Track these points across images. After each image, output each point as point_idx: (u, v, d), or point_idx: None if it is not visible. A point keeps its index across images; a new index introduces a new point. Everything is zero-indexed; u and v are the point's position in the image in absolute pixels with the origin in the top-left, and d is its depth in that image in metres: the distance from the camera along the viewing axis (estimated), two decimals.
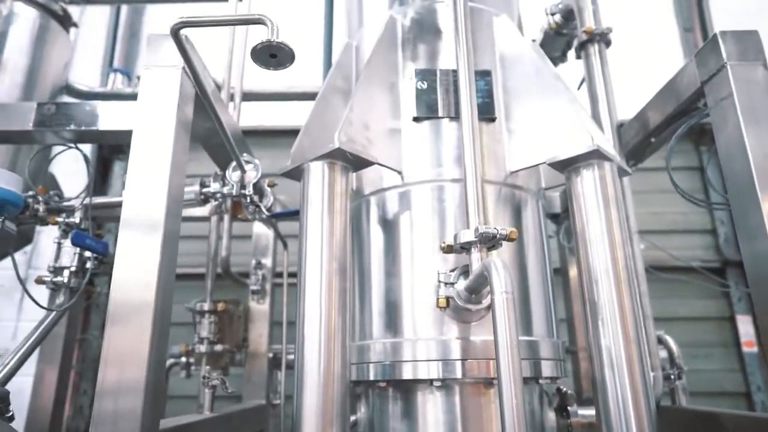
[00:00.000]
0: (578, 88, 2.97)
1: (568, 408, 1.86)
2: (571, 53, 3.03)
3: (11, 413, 1.53)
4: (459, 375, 1.69)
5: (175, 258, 1.64)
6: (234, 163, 2.20)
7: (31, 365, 2.58)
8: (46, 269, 2.19)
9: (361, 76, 1.89)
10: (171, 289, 1.59)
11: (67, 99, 3.55)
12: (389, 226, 1.98)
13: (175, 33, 1.42)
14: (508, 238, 1.52)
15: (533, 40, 3.04)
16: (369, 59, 1.96)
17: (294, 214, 2.36)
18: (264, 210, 2.26)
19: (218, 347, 2.69)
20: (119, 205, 2.45)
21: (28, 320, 4.00)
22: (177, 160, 1.66)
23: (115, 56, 5.31)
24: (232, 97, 3.20)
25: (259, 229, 3.24)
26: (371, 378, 1.83)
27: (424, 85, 1.99)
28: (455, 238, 1.61)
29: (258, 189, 2.28)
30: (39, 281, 2.10)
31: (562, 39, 3.12)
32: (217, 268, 3.02)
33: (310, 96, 3.70)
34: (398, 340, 1.82)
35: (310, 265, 1.65)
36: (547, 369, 1.77)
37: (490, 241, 1.54)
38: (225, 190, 2.18)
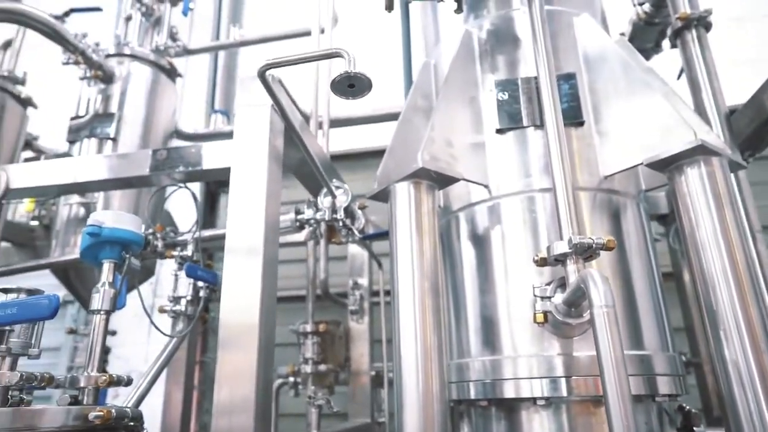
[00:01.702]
0: (678, 78, 2.76)
1: (694, 429, 1.70)
2: (666, 43, 2.83)
3: (145, 431, 1.69)
4: (564, 393, 1.61)
5: (275, 282, 1.73)
6: (325, 189, 2.29)
7: (160, 386, 2.84)
8: (167, 298, 2.42)
9: (441, 93, 1.90)
10: (273, 312, 1.68)
11: (177, 142, 3.91)
12: (480, 241, 1.95)
13: (262, 75, 1.53)
14: (605, 247, 1.44)
15: (622, 34, 2.88)
16: (447, 75, 1.96)
17: (385, 235, 2.40)
18: (356, 232, 2.32)
19: (322, 367, 2.79)
20: (224, 236, 2.65)
21: (157, 343, 4.37)
22: (271, 190, 1.76)
23: (216, 98, 5.77)
24: (320, 125, 3.34)
25: (354, 249, 3.33)
26: (472, 397, 1.80)
27: (506, 96, 1.95)
28: (548, 250, 1.55)
29: (349, 212, 2.35)
30: (161, 311, 2.31)
31: (654, 29, 2.92)
32: (317, 290, 3.15)
33: (395, 116, 3.77)
34: (497, 357, 1.78)
35: (402, 285, 1.67)
36: (663, 385, 1.64)
37: (585, 252, 1.47)
38: (318, 215, 2.27)
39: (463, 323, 1.92)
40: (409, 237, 1.71)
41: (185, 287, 2.39)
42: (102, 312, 1.62)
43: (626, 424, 1.07)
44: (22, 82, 3.78)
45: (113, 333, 3.38)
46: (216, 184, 5.50)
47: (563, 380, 1.63)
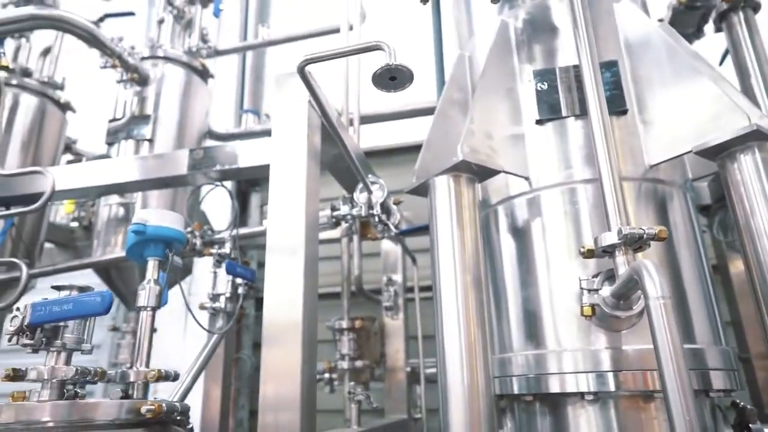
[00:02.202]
0: (720, 64, 2.67)
1: (750, 426, 1.64)
2: (708, 27, 2.74)
3: (191, 425, 1.71)
4: (612, 388, 1.58)
5: (317, 279, 1.73)
6: (361, 185, 2.29)
7: (197, 383, 2.89)
8: (206, 296, 2.45)
9: (479, 85, 1.88)
10: (315, 309, 1.68)
11: (209, 142, 3.97)
12: (520, 235, 1.92)
13: (301, 70, 1.53)
14: (657, 238, 1.39)
15: (660, 20, 2.80)
16: (484, 67, 1.93)
17: (421, 230, 2.39)
18: (392, 227, 2.32)
19: (359, 363, 2.79)
20: (260, 234, 2.67)
21: (192, 339, 4.42)
22: (311, 187, 1.76)
23: (245, 98, 5.83)
24: (351, 122, 3.34)
25: (388, 246, 3.33)
26: (515, 392, 1.78)
27: (545, 86, 1.91)
28: (596, 241, 1.51)
29: (385, 208, 2.35)
30: (202, 308, 2.35)
31: (695, 13, 2.82)
32: (351, 287, 3.15)
33: (425, 111, 3.75)
34: (541, 351, 1.75)
35: (444, 279, 1.65)
36: (717, 380, 1.59)
37: (635, 243, 1.43)
38: (354, 211, 2.27)
39: (504, 317, 1.90)
40: (450, 230, 1.69)
41: (224, 285, 2.42)
42: (148, 309, 1.65)
43: (688, 419, 1.04)
44: (61, 87, 3.88)
45: (154, 330, 3.44)
46: (247, 183, 5.56)
47: (611, 375, 1.59)
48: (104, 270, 3.11)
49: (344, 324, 2.89)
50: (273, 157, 1.79)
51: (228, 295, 2.37)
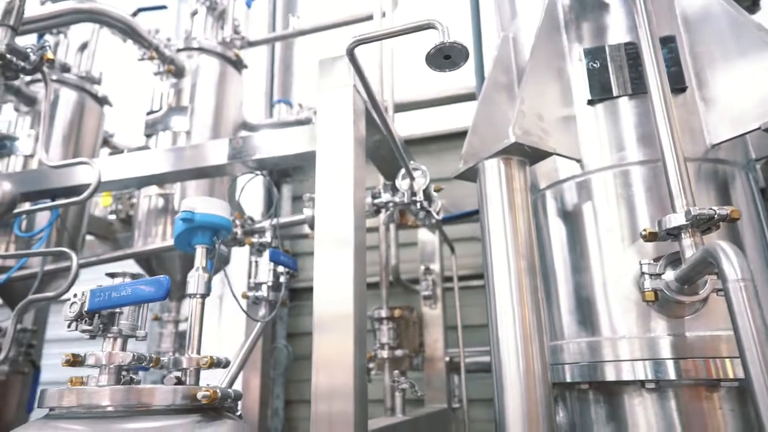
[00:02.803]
0: None
1: None
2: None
3: (239, 412, 1.72)
4: (672, 376, 1.52)
5: (365, 268, 1.71)
6: (402, 172, 2.25)
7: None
8: (246, 286, 2.45)
9: (528, 66, 1.82)
10: (365, 298, 1.66)
11: (243, 133, 3.98)
12: (571, 219, 1.87)
13: (350, 52, 1.49)
14: (729, 219, 1.33)
15: None
16: (533, 47, 1.87)
17: (465, 216, 2.35)
18: (434, 215, 2.28)
19: (398, 352, 2.77)
20: (300, 223, 2.66)
21: (227, 328, 4.44)
22: (358, 175, 1.73)
23: (274, 89, 5.84)
24: (385, 110, 3.30)
25: (425, 236, 3.29)
26: (567, 380, 1.74)
27: (597, 65, 1.85)
28: (660, 224, 1.45)
29: (427, 195, 2.31)
30: (244, 296, 2.35)
31: None
32: (389, 276, 3.13)
33: (460, 98, 3.69)
34: (596, 339, 1.70)
35: (497, 265, 1.61)
36: None
37: (704, 224, 1.37)
38: (396, 198, 2.23)
39: (554, 304, 1.85)
40: (501, 215, 1.65)
41: (265, 274, 2.42)
42: (198, 296, 1.65)
43: None
44: (99, 82, 3.93)
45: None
46: (278, 174, 5.56)
47: (671, 362, 1.54)
48: (145, 260, 3.15)
49: (383, 313, 2.87)
50: (319, 144, 1.76)
51: (270, 283, 2.36)
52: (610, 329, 1.68)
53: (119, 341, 1.48)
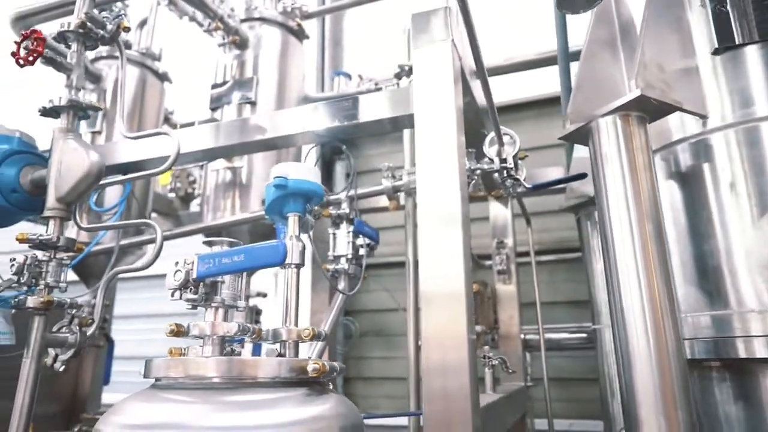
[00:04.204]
0: None
1: None
2: None
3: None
4: None
5: (470, 240, 1.60)
6: (490, 137, 2.12)
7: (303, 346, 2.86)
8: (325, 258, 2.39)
9: (645, 15, 1.64)
10: (470, 272, 1.55)
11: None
12: (689, 183, 1.71)
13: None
14: None
15: None
16: None
17: (558, 183, 2.20)
18: (524, 183, 2.14)
19: (477, 328, 2.67)
20: (377, 194, 2.57)
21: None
22: (461, 140, 1.62)
23: (325, 62, 5.75)
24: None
25: (496, 209, 3.15)
26: (688, 356, 1.60)
27: (724, 9, 1.66)
28: None
29: (515, 162, 2.17)
30: (326, 269, 2.29)
31: None
32: None
33: (528, 65, 3.50)
34: (723, 312, 1.56)
35: (618, 231, 1.48)
36: None
37: None
38: (485, 165, 2.11)
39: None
40: (620, 176, 1.50)
41: (344, 246, 2.35)
42: (293, 266, 1.58)
43: None
44: (159, 58, 3.91)
45: (264, 295, 3.48)
46: (331, 152, 5.51)
47: None
48: (215, 234, 3.13)
49: None
50: (417, 106, 1.64)
51: (349, 256, 2.30)
52: (737, 302, 1.54)
53: (221, 311, 1.43)
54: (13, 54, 1.86)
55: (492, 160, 2.10)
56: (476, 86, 2.07)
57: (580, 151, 2.47)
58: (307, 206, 1.67)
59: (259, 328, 1.45)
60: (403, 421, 3.11)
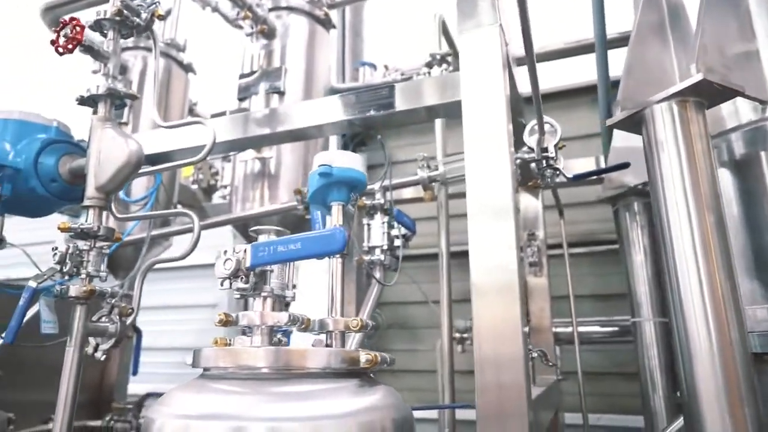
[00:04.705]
0: None
1: None
2: None
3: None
4: None
5: (520, 232, 1.55)
6: (531, 126, 2.08)
7: None
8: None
9: None
10: (522, 262, 1.51)
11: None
12: (744, 172, 1.66)
13: None
14: None
15: None
16: None
17: (600, 173, 2.15)
18: (564, 173, 2.09)
19: None
20: (412, 184, 2.53)
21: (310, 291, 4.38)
22: (509, 128, 1.57)
23: (346, 54, 5.70)
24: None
25: (526, 200, 3.10)
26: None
27: None
28: None
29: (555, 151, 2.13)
30: (360, 261, 2.26)
31: None
32: None
33: (562, 53, 3.43)
34: None
35: (675, 222, 1.43)
36: None
37: None
38: (525, 155, 2.06)
39: None
40: (678, 165, 1.45)
41: (378, 237, 2.32)
42: (336, 255, 1.55)
43: None
44: (183, 49, 3.90)
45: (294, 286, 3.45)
46: (351, 140, 5.47)
47: None
48: (242, 226, 3.12)
49: None
50: (465, 93, 1.60)
51: (384, 247, 2.27)
52: None
53: (269, 301, 1.41)
54: (53, 42, 1.85)
55: (532, 150, 2.05)
56: (517, 73, 2.02)
57: (618, 141, 2.42)
58: (351, 195, 1.65)
59: (308, 318, 1.43)
60: (427, 414, 3.10)
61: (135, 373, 3.37)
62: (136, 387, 4.32)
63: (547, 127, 2.07)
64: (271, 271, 1.40)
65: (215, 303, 5.71)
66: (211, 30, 4.17)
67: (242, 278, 1.32)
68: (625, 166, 1.98)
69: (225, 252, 1.38)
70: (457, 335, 3.08)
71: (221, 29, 3.64)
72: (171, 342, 5.67)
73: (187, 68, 3.88)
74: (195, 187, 4.41)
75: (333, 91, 3.77)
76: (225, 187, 4.31)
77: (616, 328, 3.10)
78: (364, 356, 1.32)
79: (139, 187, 3.30)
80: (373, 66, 4.03)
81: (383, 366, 1.39)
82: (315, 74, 3.25)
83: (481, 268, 1.44)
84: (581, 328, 3.03)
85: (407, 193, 3.28)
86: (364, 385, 1.34)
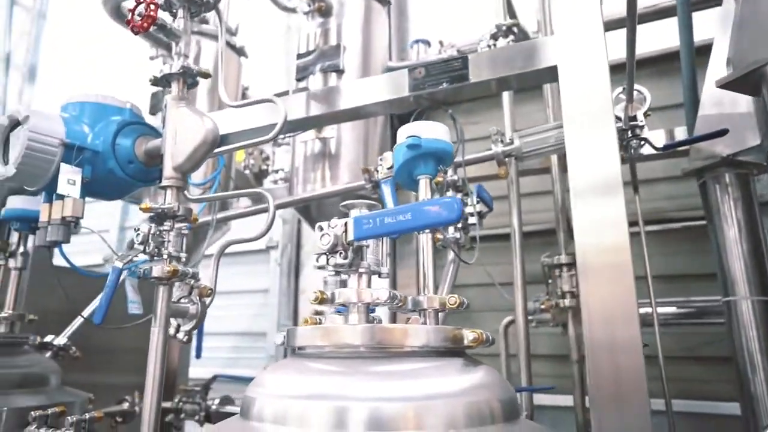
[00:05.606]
0: None
1: None
2: None
3: None
4: None
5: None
6: (616, 94, 1.95)
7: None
8: None
9: None
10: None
11: None
12: None
13: None
14: None
15: None
16: None
17: (697, 141, 2.01)
18: (652, 143, 1.96)
19: None
20: (486, 159, 2.44)
21: None
22: (610, 96, 1.46)
23: (391, 33, 5.58)
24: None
25: None
26: None
27: None
28: None
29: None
30: (436, 240, 2.19)
31: None
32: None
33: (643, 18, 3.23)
34: None
35: None
36: None
37: None
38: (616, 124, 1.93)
39: None
40: None
41: None
42: (427, 231, 1.49)
43: None
44: (235, 33, 3.88)
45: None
46: (398, 120, 5.38)
47: None
48: (304, 208, 3.10)
49: (563, 259, 2.63)
50: (563, 61, 1.48)
51: (459, 224, 2.19)
52: None
53: (365, 277, 1.36)
54: (128, 22, 1.83)
55: (619, 119, 1.92)
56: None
57: (707, 108, 2.25)
58: (439, 168, 1.57)
59: (405, 296, 1.37)
60: None
61: (198, 356, 3.42)
62: (194, 371, 4.41)
63: (636, 94, 1.94)
64: (367, 246, 1.34)
65: (267, 288, 5.77)
66: (255, 14, 4.14)
67: (341, 253, 1.26)
68: (723, 132, 1.83)
69: (321, 227, 1.34)
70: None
71: (266, 12, 3.60)
72: (226, 327, 5.78)
73: (240, 52, 3.87)
74: (247, 172, 4.43)
75: (389, 70, 3.69)
76: (276, 171, 4.31)
77: (692, 309, 2.95)
78: (470, 334, 1.25)
79: (198, 172, 3.32)
80: (427, 43, 3.91)
81: (486, 345, 1.32)
82: (372, 51, 3.18)
83: (590, 248, 1.36)
84: (660, 309, 2.88)
85: (470, 171, 3.18)
86: (468, 364, 1.28)
